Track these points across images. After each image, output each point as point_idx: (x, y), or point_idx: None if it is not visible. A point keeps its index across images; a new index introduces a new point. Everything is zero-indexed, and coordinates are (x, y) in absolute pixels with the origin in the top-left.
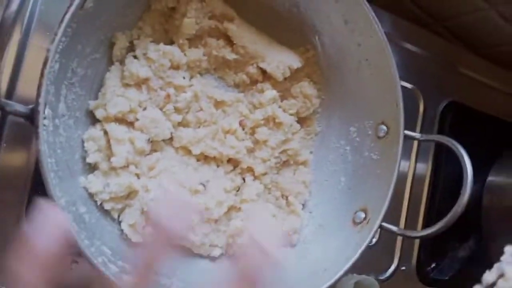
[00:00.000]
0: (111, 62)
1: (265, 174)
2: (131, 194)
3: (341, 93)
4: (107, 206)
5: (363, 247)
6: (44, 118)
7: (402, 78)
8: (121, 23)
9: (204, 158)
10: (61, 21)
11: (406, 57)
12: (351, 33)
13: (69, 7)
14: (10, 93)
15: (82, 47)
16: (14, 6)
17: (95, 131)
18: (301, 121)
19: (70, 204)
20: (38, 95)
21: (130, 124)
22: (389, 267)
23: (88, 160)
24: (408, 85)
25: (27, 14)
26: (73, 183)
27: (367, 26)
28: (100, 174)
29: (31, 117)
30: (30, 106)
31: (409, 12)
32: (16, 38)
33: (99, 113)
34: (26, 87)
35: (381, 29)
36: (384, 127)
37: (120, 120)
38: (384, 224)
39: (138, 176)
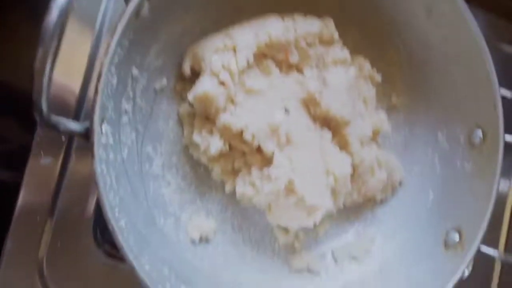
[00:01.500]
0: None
1: None
2: None
3: (425, 95)
4: None
5: (457, 275)
6: (101, 135)
7: (501, 85)
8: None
9: None
10: (114, 31)
11: (505, 61)
12: (435, 26)
13: (121, 18)
14: (78, 114)
15: (142, 57)
16: (54, 14)
17: None
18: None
19: (131, 226)
20: (93, 112)
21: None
22: None
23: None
24: (509, 94)
25: (97, 27)
26: (135, 200)
27: (454, 17)
28: None
29: (87, 136)
30: (86, 124)
31: (507, 9)
32: (87, 47)
33: None
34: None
35: (472, 19)
36: (480, 133)
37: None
38: (483, 247)
39: None
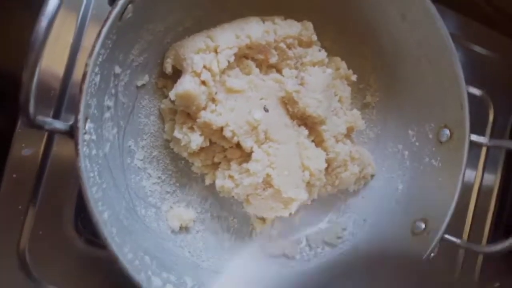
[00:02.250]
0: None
1: None
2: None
3: (398, 94)
4: None
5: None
6: (85, 133)
7: (469, 83)
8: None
9: None
10: (98, 35)
11: (474, 61)
12: (409, 30)
13: (105, 21)
14: (60, 104)
15: (124, 55)
16: (44, 23)
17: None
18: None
19: (113, 218)
20: (77, 111)
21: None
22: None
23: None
24: (477, 92)
25: (80, 16)
26: (117, 192)
27: (426, 21)
28: None
29: (71, 134)
30: (70, 123)
31: (478, 12)
32: (68, 41)
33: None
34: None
35: (442, 24)
36: (447, 131)
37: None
38: (447, 236)
39: None
